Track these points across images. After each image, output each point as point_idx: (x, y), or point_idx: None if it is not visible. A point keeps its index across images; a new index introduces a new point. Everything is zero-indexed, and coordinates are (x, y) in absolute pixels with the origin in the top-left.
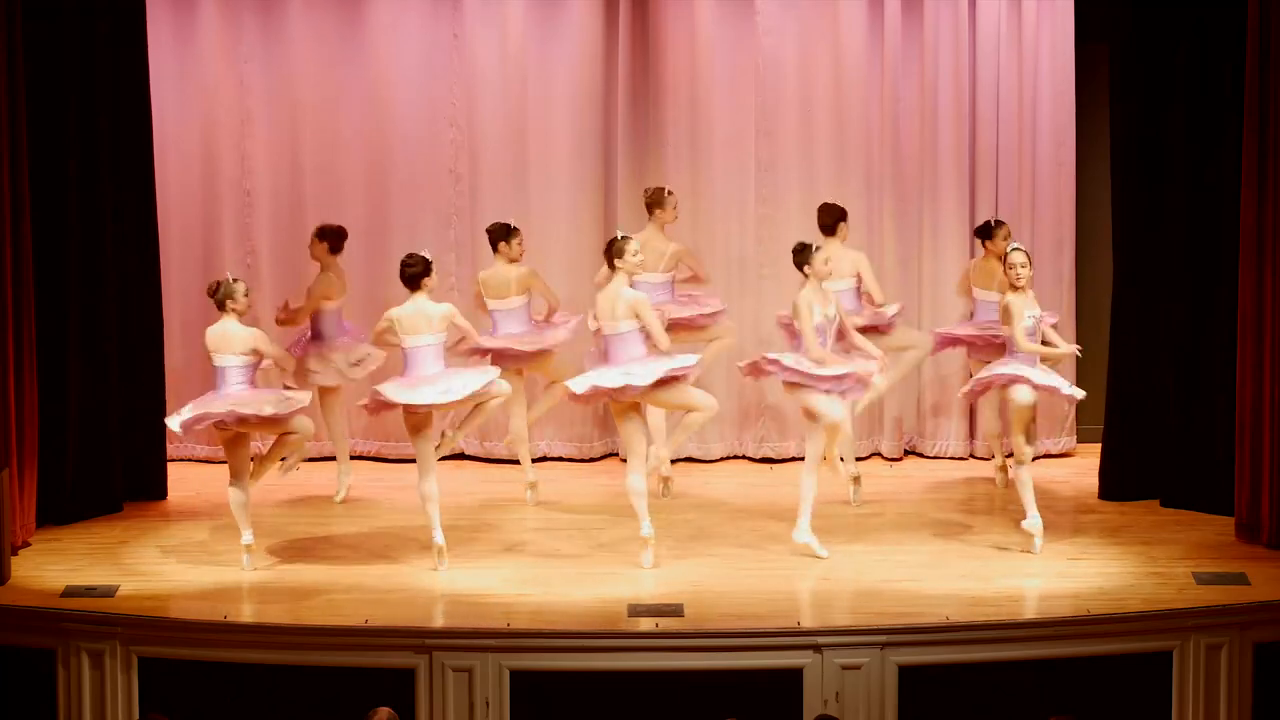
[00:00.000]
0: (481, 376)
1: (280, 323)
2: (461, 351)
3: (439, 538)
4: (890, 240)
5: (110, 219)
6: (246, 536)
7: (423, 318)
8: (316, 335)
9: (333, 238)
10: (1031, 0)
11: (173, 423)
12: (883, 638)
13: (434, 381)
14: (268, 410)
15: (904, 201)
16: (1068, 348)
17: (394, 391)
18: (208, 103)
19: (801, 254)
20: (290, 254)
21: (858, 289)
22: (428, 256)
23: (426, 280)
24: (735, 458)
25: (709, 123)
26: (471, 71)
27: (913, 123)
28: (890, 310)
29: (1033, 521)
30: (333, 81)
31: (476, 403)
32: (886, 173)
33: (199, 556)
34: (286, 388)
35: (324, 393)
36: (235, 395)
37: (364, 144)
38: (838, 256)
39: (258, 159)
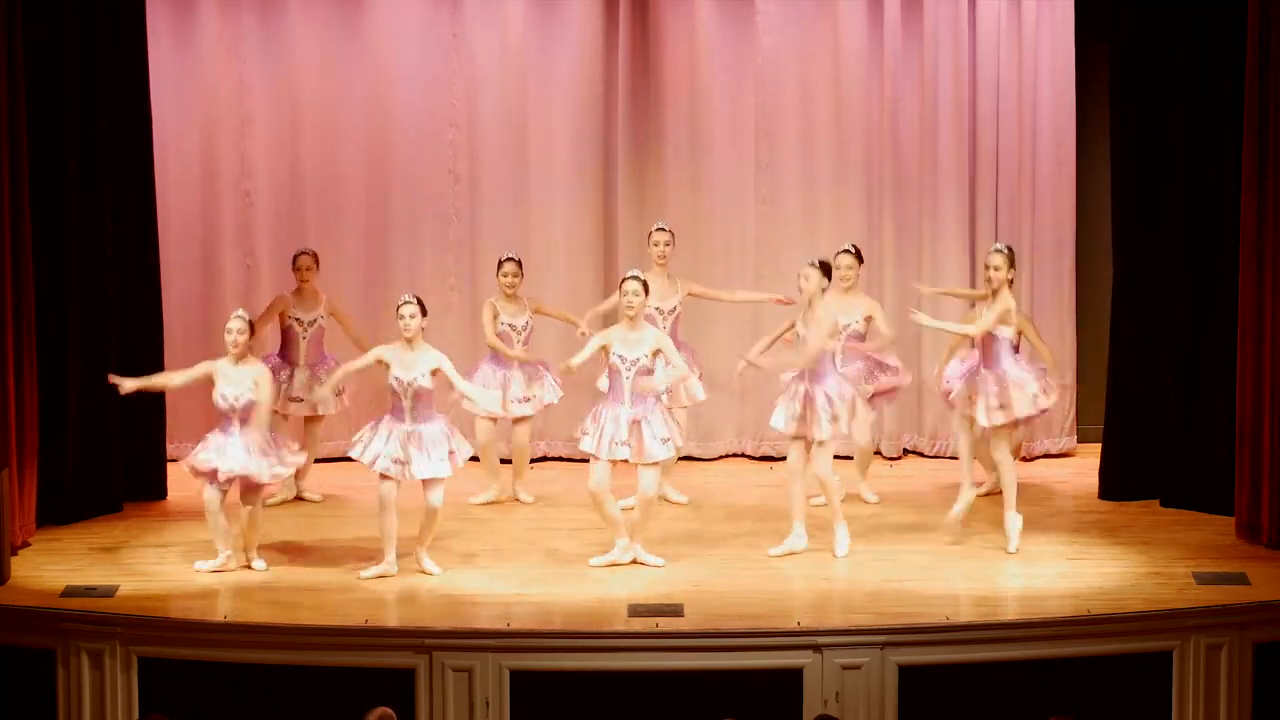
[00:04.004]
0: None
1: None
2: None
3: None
4: (890, 240)
5: (110, 219)
6: (224, 554)
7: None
8: (296, 359)
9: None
10: (1031, 0)
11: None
12: (883, 638)
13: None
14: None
15: (904, 201)
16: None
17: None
18: (208, 103)
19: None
20: (290, 254)
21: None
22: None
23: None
24: (735, 456)
25: (709, 122)
26: (471, 71)
27: (913, 123)
28: None
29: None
30: (333, 82)
31: None
32: (886, 173)
33: (199, 556)
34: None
35: (307, 421)
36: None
37: (364, 144)
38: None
39: (258, 159)
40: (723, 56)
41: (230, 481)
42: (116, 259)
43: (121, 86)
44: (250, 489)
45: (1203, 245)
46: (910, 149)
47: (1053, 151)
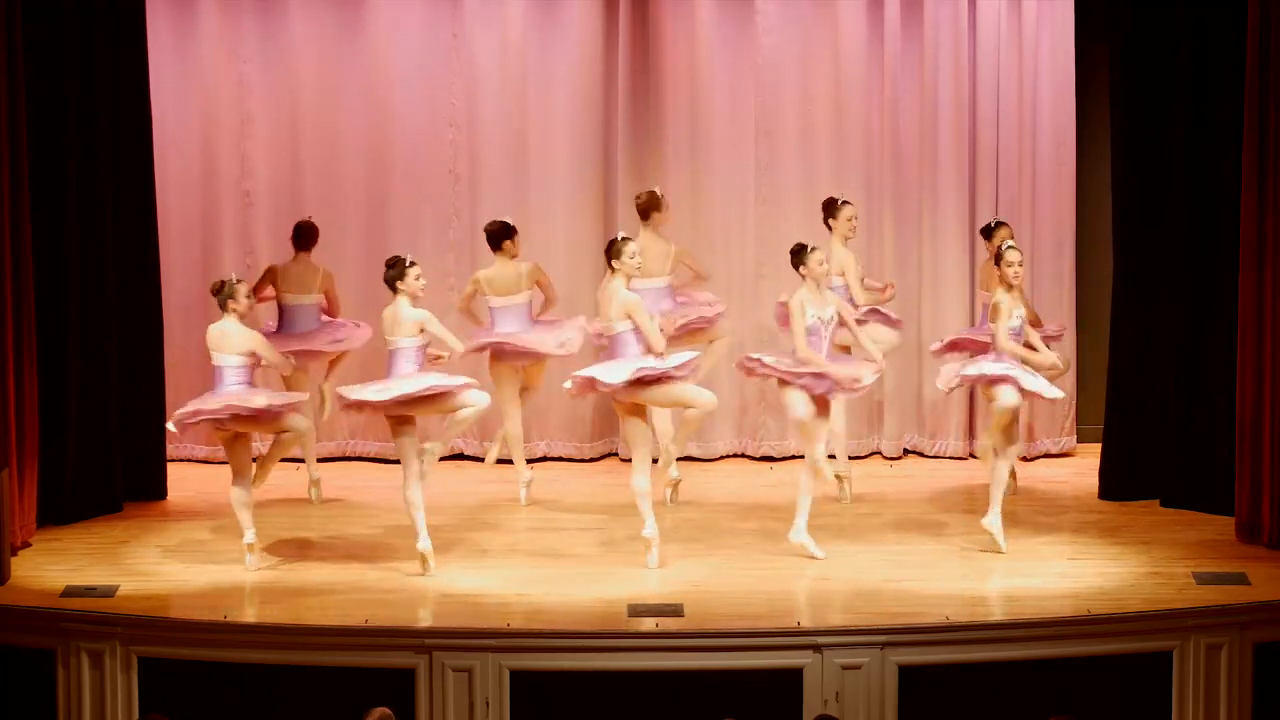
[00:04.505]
0: (448, 379)
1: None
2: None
3: (424, 543)
4: (890, 240)
5: (110, 219)
6: (249, 535)
7: (404, 321)
8: (284, 331)
9: (301, 236)
10: (1031, 0)
11: (171, 425)
12: (883, 638)
13: (403, 380)
14: (260, 402)
15: (904, 201)
16: (1048, 356)
17: (354, 391)
18: (208, 103)
19: (798, 255)
20: (289, 254)
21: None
22: (405, 258)
23: (401, 284)
24: (735, 456)
25: (709, 123)
26: (471, 71)
27: (913, 123)
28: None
29: (992, 519)
30: (333, 82)
31: (447, 412)
32: (886, 173)
33: (199, 556)
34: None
35: None
36: (231, 393)
37: (364, 144)
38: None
39: (258, 159)
40: (723, 56)
41: (235, 417)
42: (116, 259)
43: (121, 86)
44: (264, 417)
45: (1203, 245)
46: (910, 149)
47: (1053, 151)
